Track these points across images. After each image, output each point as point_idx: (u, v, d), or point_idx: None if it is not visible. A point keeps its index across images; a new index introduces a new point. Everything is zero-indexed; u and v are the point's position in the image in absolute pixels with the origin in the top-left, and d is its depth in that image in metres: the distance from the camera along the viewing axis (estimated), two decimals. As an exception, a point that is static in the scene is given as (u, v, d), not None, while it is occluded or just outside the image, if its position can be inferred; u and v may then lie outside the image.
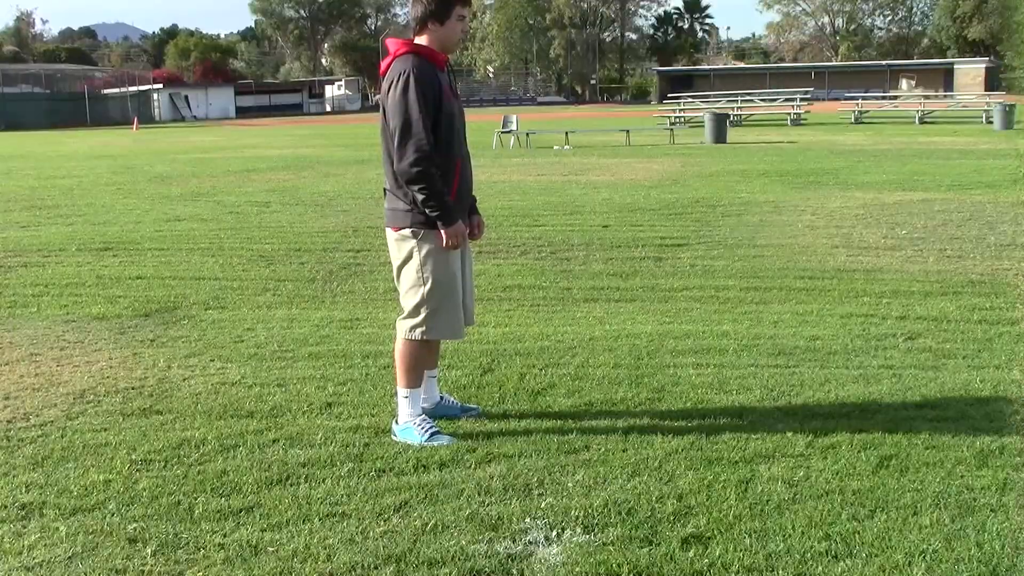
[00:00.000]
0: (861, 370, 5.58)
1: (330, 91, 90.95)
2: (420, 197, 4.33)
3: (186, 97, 79.57)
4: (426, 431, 4.50)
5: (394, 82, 4.33)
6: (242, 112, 79.65)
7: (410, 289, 4.51)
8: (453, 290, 4.52)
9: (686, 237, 10.47)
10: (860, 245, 9.85)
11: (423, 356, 4.63)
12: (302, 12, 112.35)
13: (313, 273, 8.89)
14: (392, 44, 4.49)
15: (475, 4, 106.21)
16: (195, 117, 75.89)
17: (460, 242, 4.45)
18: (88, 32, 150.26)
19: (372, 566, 3.33)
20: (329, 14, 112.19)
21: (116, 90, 74.30)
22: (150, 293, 8.07)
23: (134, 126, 56.19)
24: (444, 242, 4.39)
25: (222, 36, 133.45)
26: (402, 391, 4.59)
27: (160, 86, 78.64)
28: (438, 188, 4.33)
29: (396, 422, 4.63)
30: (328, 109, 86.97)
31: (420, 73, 4.31)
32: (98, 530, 3.62)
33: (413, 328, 4.51)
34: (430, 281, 4.44)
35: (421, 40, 4.46)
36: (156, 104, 76.65)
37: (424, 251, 4.44)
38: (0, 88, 66.90)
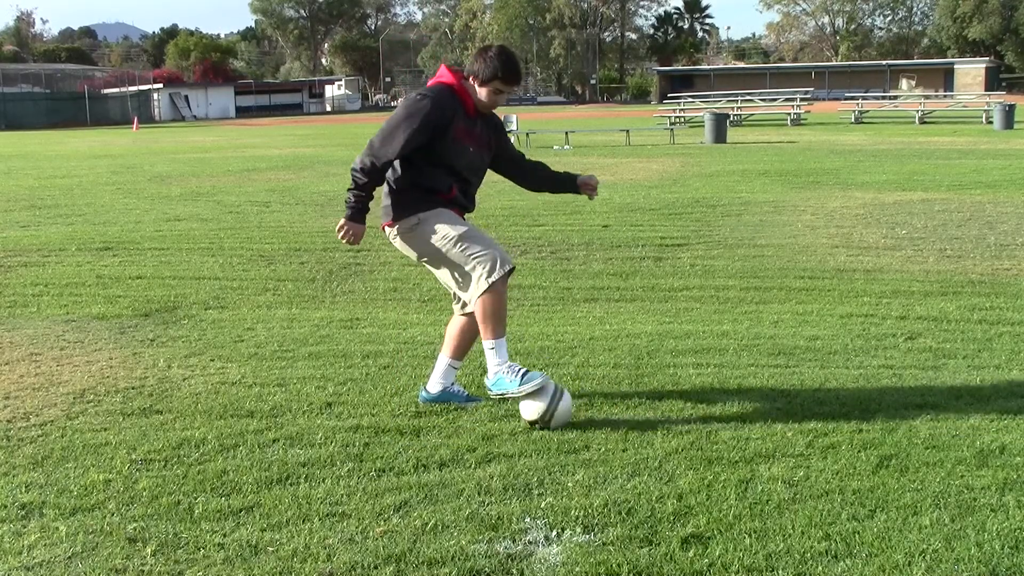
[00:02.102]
0: (861, 370, 5.58)
1: (330, 91, 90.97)
2: (349, 190, 4.57)
3: (186, 97, 79.54)
4: (517, 374, 4.62)
5: (412, 97, 4.65)
6: (242, 112, 79.69)
7: (454, 256, 4.64)
8: (477, 232, 4.71)
9: (686, 237, 10.48)
10: (860, 245, 9.85)
11: (500, 304, 4.66)
12: (302, 12, 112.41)
13: (313, 273, 8.89)
14: (443, 71, 4.76)
15: (475, 4, 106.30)
16: (195, 117, 75.89)
17: (349, 238, 4.60)
18: (88, 32, 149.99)
19: (372, 566, 3.33)
20: (329, 14, 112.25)
21: (116, 90, 74.33)
22: (150, 293, 8.08)
23: (134, 126, 56.18)
24: (336, 230, 4.60)
25: (222, 36, 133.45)
26: (488, 343, 4.70)
27: (160, 86, 78.63)
28: (365, 193, 4.56)
29: (488, 377, 4.76)
30: (328, 109, 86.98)
31: (435, 105, 4.56)
32: (98, 530, 3.62)
33: (479, 280, 4.60)
34: (456, 236, 4.61)
35: (467, 83, 4.72)
36: (156, 104, 76.67)
37: (432, 224, 4.64)
38: (0, 88, 66.95)
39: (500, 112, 5.20)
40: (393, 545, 3.46)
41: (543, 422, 4.58)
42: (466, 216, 4.90)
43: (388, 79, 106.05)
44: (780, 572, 3.25)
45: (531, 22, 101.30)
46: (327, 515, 3.72)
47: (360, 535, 3.56)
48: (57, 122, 62.61)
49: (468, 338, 4.96)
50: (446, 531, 3.58)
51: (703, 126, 29.02)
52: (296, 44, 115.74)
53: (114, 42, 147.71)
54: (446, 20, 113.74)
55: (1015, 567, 3.27)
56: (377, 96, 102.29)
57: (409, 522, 3.65)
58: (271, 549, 3.45)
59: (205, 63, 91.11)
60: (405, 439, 4.55)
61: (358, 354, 6.04)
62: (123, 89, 74.08)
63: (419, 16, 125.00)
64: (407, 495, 3.90)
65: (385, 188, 4.72)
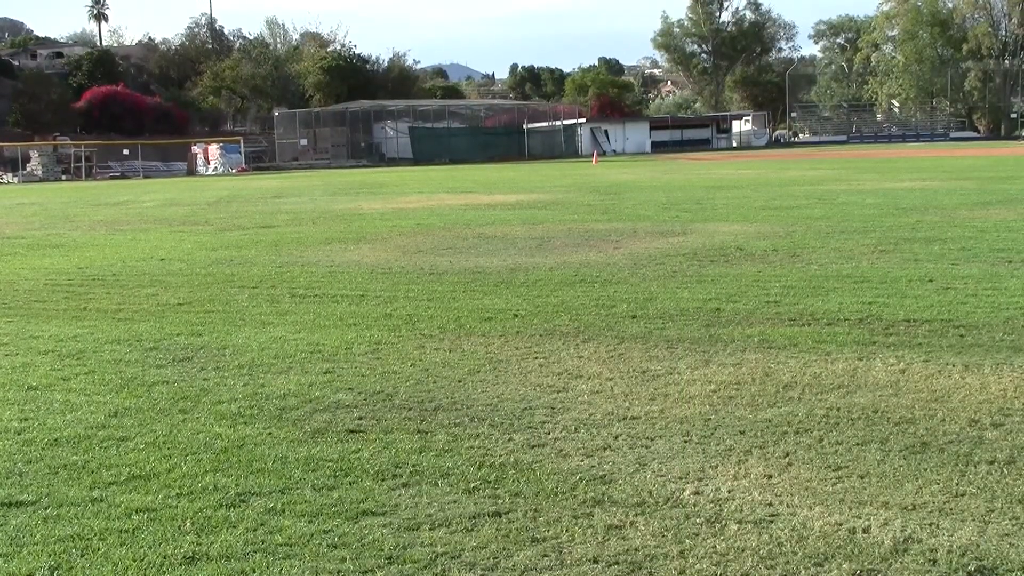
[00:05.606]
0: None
1: (737, 126, 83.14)
2: None
3: (605, 132, 75.48)
4: None
5: None
6: (657, 147, 74.40)
7: None
8: None
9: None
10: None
11: None
12: (705, 47, 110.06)
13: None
14: None
15: (878, 36, 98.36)
16: (614, 151, 71.94)
17: None
18: (439, 72, 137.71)
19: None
20: (733, 48, 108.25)
21: (544, 124, 73.02)
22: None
23: (594, 159, 53.54)
24: None
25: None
26: None
27: (583, 121, 75.23)
28: None
29: None
30: (735, 144, 79.83)
31: None
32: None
33: None
34: None
35: None
36: (579, 138, 73.28)
37: None
38: (445, 124, 69.33)
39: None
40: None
41: None
42: None
43: (793, 114, 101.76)
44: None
45: (940, 53, 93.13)
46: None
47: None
48: (493, 156, 62.07)
49: None
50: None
51: None
52: (698, 79, 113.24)
53: (457, 80, 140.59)
54: (840, 54, 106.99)
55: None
56: (777, 132, 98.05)
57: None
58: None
59: (602, 98, 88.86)
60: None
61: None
62: (552, 124, 72.85)
63: (815, 50, 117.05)
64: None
65: None
